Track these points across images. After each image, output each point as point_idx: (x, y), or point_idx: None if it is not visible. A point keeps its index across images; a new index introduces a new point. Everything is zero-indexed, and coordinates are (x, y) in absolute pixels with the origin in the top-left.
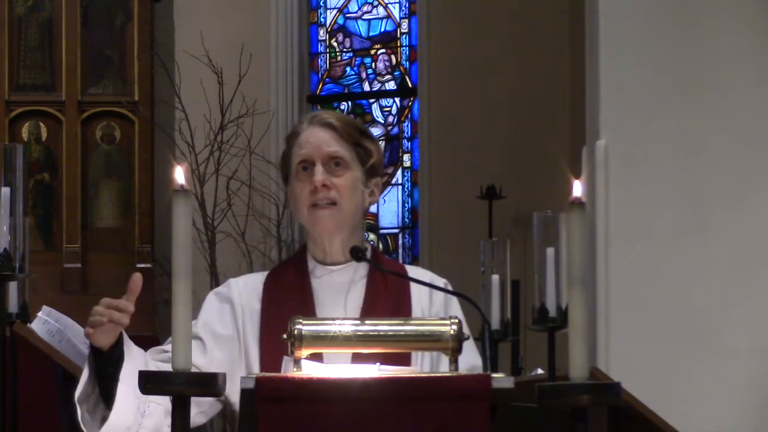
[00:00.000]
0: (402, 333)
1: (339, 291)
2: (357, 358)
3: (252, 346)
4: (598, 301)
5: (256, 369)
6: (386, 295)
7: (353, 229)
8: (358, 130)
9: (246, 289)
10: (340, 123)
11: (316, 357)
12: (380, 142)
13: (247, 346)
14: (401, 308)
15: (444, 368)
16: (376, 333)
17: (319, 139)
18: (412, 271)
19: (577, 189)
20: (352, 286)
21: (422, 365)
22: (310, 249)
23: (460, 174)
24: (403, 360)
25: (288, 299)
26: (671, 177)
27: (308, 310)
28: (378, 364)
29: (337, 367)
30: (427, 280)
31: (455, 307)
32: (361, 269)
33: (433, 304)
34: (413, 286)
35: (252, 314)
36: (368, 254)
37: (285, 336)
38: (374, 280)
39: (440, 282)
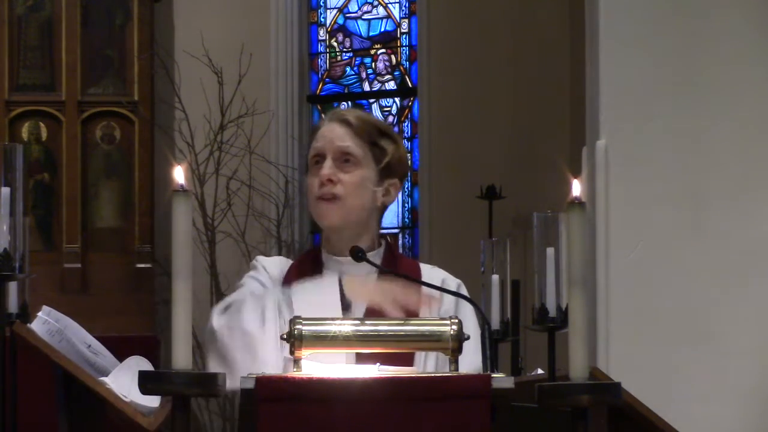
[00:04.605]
0: (402, 333)
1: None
2: (361, 358)
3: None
4: (598, 301)
5: None
6: None
7: (363, 226)
8: (377, 129)
9: (273, 268)
10: (357, 120)
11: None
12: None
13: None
14: None
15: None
16: (376, 333)
17: (334, 133)
18: (426, 270)
19: (576, 188)
20: (364, 278)
21: (425, 366)
22: (323, 242)
23: (460, 174)
24: (406, 360)
25: None
26: (671, 177)
27: None
28: (378, 364)
29: (337, 367)
30: (439, 280)
31: (467, 308)
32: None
33: (443, 303)
34: (426, 281)
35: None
36: (382, 250)
37: (285, 336)
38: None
39: (453, 283)
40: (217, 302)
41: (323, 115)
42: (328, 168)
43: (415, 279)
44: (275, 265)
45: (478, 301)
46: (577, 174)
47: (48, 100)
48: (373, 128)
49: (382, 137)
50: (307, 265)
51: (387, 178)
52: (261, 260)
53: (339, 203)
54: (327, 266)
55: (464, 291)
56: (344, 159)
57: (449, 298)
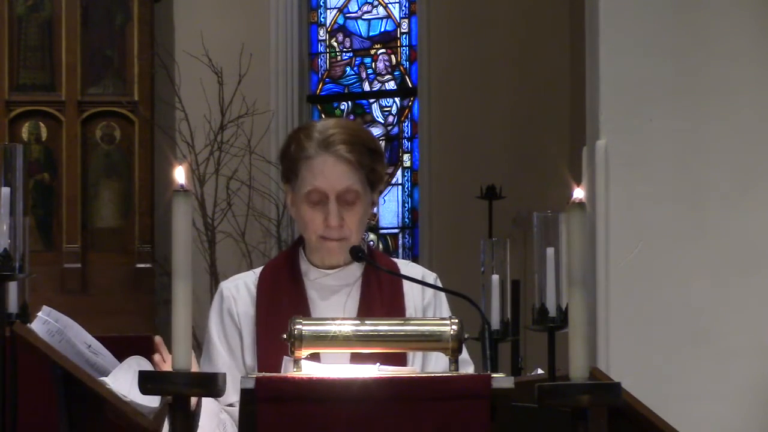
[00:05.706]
0: (402, 333)
1: (333, 294)
2: (355, 358)
3: (247, 353)
4: (598, 301)
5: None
6: (381, 297)
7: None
8: (369, 154)
9: (239, 296)
10: (355, 155)
11: (314, 356)
12: (380, 142)
13: (244, 354)
14: (396, 308)
15: (432, 366)
16: (376, 333)
17: (335, 173)
18: (404, 267)
19: (579, 195)
20: (346, 288)
21: (413, 363)
22: (306, 251)
23: (460, 174)
24: (400, 360)
25: (282, 305)
26: (671, 177)
27: (303, 315)
28: (378, 364)
29: (337, 367)
30: (418, 275)
31: (443, 299)
32: (356, 271)
33: (424, 297)
34: (405, 281)
35: (248, 320)
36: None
37: (285, 336)
38: (368, 282)
39: (431, 277)
40: None
41: (308, 139)
42: (334, 215)
43: (399, 274)
44: (242, 288)
45: (478, 301)
46: (577, 176)
47: (48, 100)
48: (366, 155)
49: (375, 160)
50: (282, 276)
51: (375, 193)
52: (224, 289)
53: (345, 242)
54: (308, 277)
55: (439, 284)
56: (346, 197)
57: (428, 294)
